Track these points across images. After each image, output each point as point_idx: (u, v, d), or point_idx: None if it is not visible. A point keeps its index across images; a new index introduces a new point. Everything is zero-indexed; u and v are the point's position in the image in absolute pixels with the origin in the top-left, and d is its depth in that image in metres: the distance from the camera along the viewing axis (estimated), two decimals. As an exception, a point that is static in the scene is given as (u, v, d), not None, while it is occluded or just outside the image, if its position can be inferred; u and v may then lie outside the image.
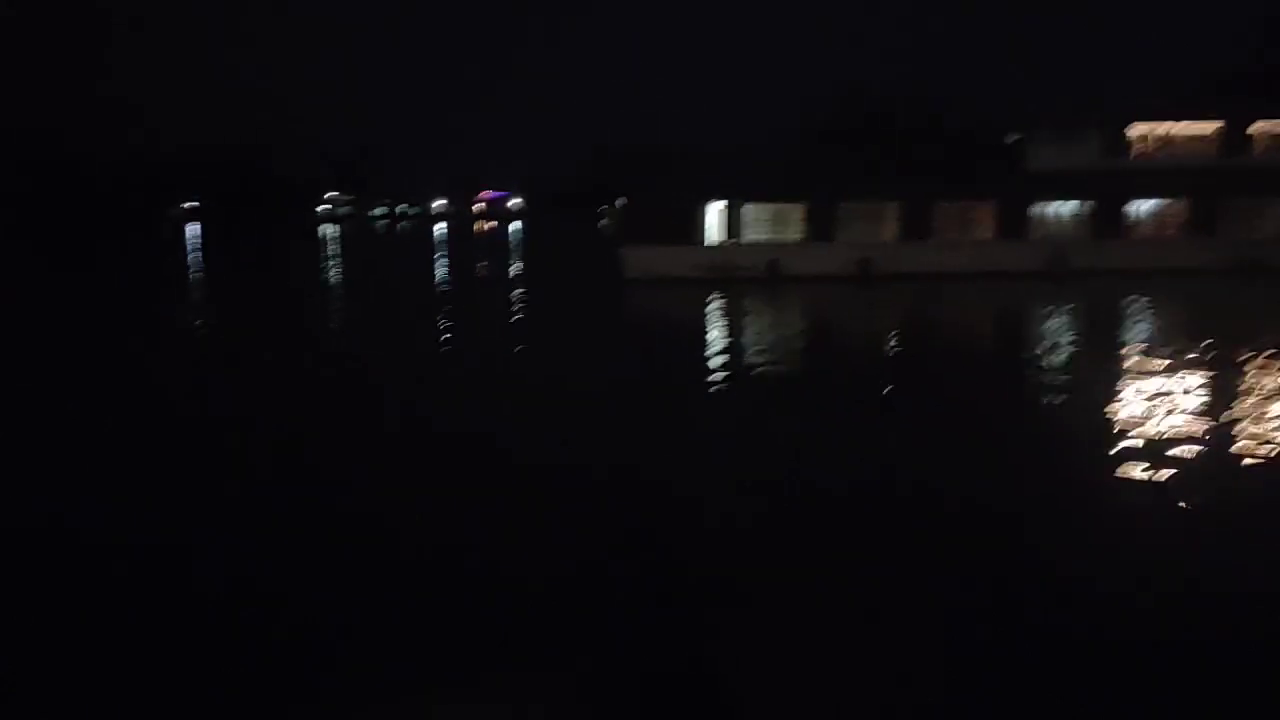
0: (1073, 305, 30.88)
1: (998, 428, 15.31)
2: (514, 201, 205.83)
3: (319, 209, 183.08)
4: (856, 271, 39.90)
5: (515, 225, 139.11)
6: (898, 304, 34.00)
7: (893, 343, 25.33)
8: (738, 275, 39.43)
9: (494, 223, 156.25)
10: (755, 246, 40.65)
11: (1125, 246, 40.14)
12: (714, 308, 32.35)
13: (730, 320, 30.01)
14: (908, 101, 62.23)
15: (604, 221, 65.91)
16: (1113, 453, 13.19)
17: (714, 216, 41.34)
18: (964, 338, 26.96)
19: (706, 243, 41.18)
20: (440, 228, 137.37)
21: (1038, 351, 22.94)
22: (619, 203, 44.21)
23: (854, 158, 45.45)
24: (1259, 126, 40.28)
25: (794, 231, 41.02)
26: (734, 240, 41.04)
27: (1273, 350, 20.84)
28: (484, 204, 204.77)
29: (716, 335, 26.44)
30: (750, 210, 41.04)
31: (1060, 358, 21.45)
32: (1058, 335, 25.06)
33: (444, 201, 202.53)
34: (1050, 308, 30.31)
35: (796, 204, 40.93)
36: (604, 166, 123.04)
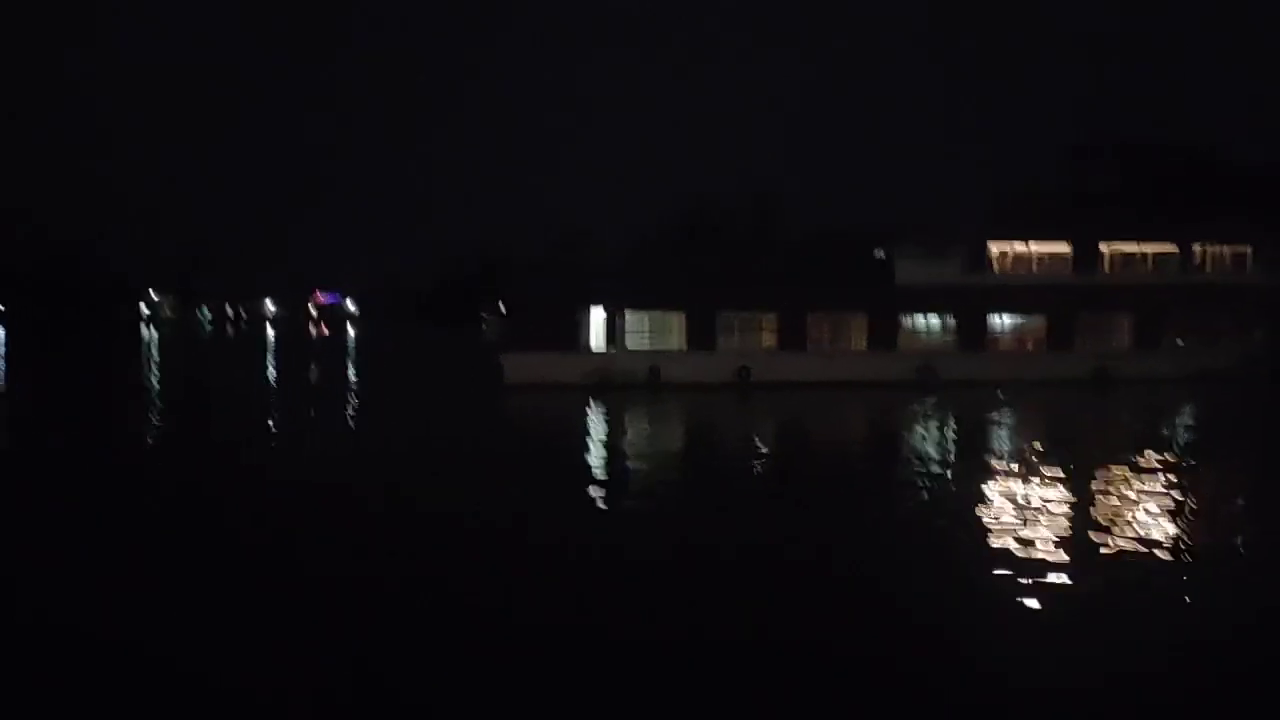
0: (939, 414, 32.65)
1: (860, 526, 16.22)
2: (349, 305, 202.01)
3: (143, 309, 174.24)
4: (736, 379, 40.74)
5: (351, 331, 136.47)
6: (772, 411, 35.40)
7: (764, 447, 26.58)
8: (619, 381, 39.62)
9: (327, 328, 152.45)
10: (636, 353, 41.09)
11: (989, 358, 42.52)
12: (592, 412, 32.96)
13: (605, 424, 31.06)
14: (771, 213, 65.01)
15: (483, 327, 65.95)
16: (970, 551, 14.08)
17: (595, 323, 41.71)
18: (832, 445, 28.35)
19: (588, 349, 41.39)
20: (272, 331, 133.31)
21: (902, 457, 24.56)
22: (495, 309, 43.99)
23: (727, 267, 46.94)
24: (1106, 247, 43.89)
25: (675, 340, 41.78)
26: (615, 347, 41.37)
27: (1121, 457, 22.41)
28: (318, 308, 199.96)
29: (590, 437, 26.77)
30: (631, 317, 41.60)
31: (923, 464, 22.66)
32: (921, 442, 26.68)
33: (275, 305, 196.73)
34: (917, 416, 32.11)
35: (677, 312, 41.81)
36: (462, 272, 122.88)
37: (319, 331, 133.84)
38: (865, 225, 49.77)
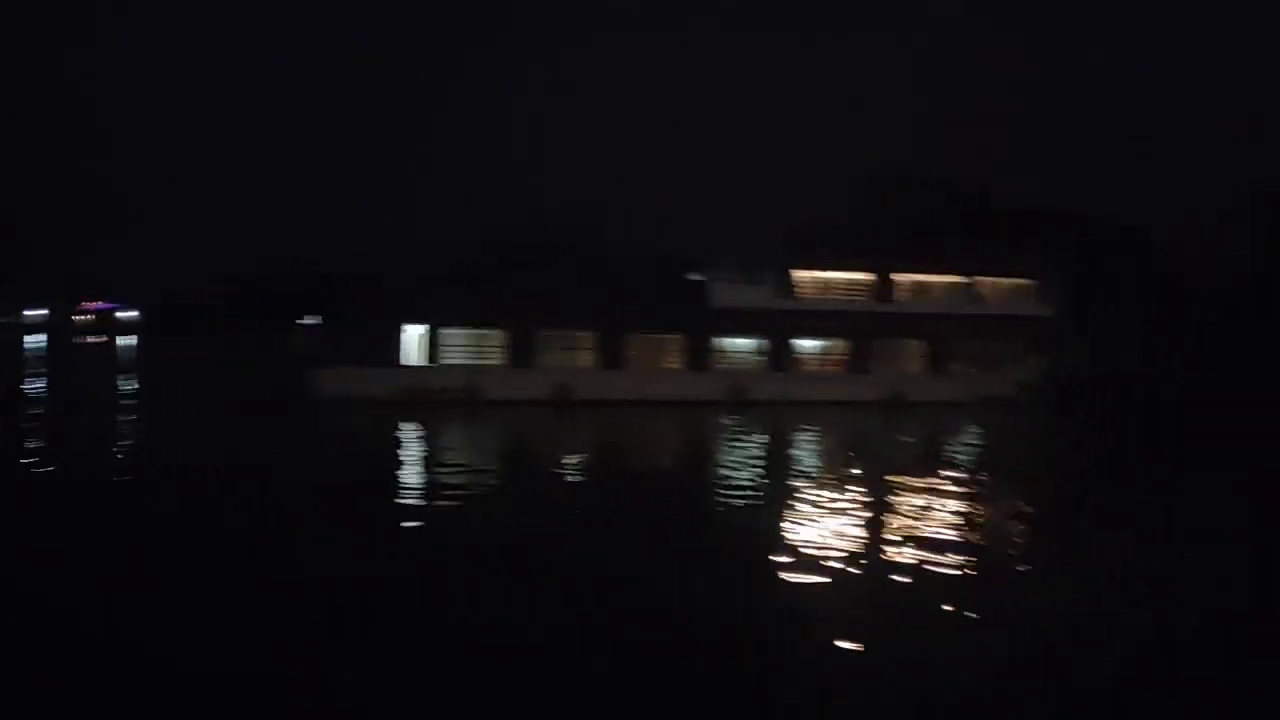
0: (746, 431, 34.26)
1: (669, 537, 17.08)
2: (126, 314, 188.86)
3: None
4: (554, 397, 41.19)
5: (130, 340, 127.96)
6: (586, 427, 36.26)
7: (579, 463, 27.31)
8: (436, 398, 39.31)
9: (104, 336, 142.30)
10: (454, 370, 40.88)
11: (795, 380, 44.78)
12: (400, 428, 32.71)
13: (409, 438, 31.18)
14: (587, 230, 65.98)
15: (296, 340, 63.11)
16: (772, 559, 15.08)
17: (413, 339, 41.25)
18: (646, 461, 29.73)
19: (404, 365, 40.87)
20: (38, 339, 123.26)
21: (713, 471, 25.97)
22: (312, 321, 42.70)
23: (547, 286, 47.40)
24: (901, 276, 47.15)
25: (494, 356, 41.85)
26: (433, 363, 41.02)
27: (911, 475, 24.39)
28: (90, 315, 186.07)
29: (402, 452, 26.71)
30: (450, 334, 41.42)
31: (733, 478, 24.04)
32: (732, 458, 28.14)
33: (43, 311, 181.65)
34: (727, 434, 33.70)
35: (496, 329, 41.92)
36: (256, 283, 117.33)
37: (92, 340, 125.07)
38: (682, 250, 51.37)
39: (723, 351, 45.11)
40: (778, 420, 37.36)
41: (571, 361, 42.92)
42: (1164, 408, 47.78)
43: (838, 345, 46.34)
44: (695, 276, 47.57)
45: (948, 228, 48.58)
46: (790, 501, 20.24)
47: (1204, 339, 60.15)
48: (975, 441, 35.08)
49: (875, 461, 27.48)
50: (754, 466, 26.30)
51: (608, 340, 43.21)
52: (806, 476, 24.63)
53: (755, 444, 31.43)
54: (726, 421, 36.75)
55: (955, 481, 24.01)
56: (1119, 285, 60.00)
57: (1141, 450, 33.92)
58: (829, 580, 13.93)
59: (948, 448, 32.72)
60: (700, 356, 44.36)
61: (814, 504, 19.94)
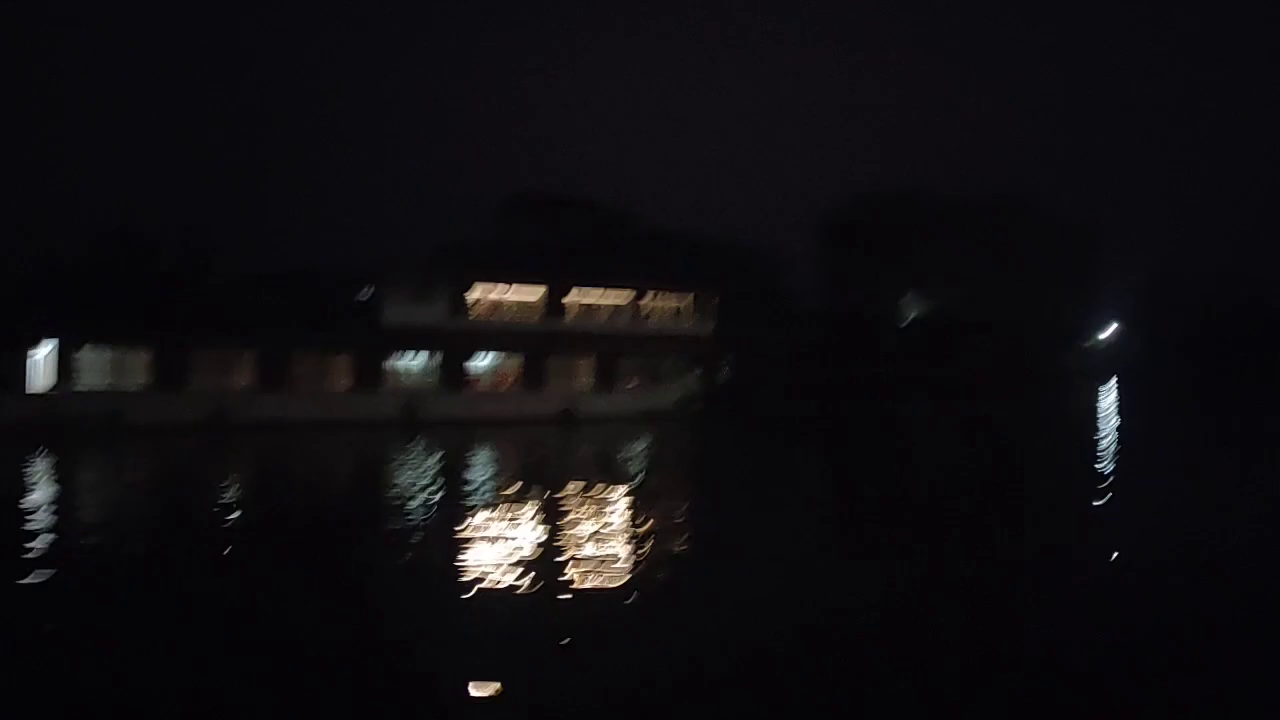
0: (420, 452, 34.18)
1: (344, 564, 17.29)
2: None
3: None
4: (211, 420, 38.66)
5: None
6: (244, 452, 34.75)
7: (233, 495, 26.10)
8: (73, 425, 35.59)
9: None
10: (94, 394, 37.22)
11: (469, 398, 44.95)
12: (33, 465, 29.48)
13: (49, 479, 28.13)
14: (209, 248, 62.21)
15: None
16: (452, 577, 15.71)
17: (42, 360, 37.07)
18: (309, 485, 29.06)
19: (32, 390, 36.63)
20: None
21: (386, 494, 26.13)
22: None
23: (195, 300, 44.45)
24: (571, 295, 48.70)
25: (140, 378, 38.58)
26: (67, 387, 37.09)
27: (588, 490, 25.66)
28: None
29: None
30: (86, 354, 37.69)
31: (409, 501, 24.19)
32: (403, 480, 28.09)
33: None
34: (398, 455, 33.48)
35: (141, 348, 38.68)
36: None
37: None
38: (350, 266, 50.05)
39: (394, 370, 44.41)
40: (451, 440, 37.41)
41: (229, 382, 40.49)
42: (790, 416, 53.04)
43: (511, 363, 47.04)
44: (364, 293, 46.51)
45: (602, 247, 50.90)
46: (456, 522, 20.56)
47: (814, 352, 67.23)
48: (641, 454, 36.85)
49: (545, 477, 28.32)
50: (422, 488, 26.19)
51: (268, 359, 41.21)
52: (476, 496, 25.03)
53: (426, 464, 31.27)
54: (398, 442, 36.25)
55: (619, 492, 25.45)
56: (754, 303, 65.56)
57: (774, 451, 37.71)
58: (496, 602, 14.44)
59: (615, 461, 34.16)
60: (370, 376, 43.40)
61: (482, 523, 20.50)
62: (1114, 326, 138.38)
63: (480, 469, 31.32)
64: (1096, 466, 33.57)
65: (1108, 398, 74.18)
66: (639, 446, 38.46)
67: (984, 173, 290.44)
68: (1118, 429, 49.10)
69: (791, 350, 63.42)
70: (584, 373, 48.83)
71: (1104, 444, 41.11)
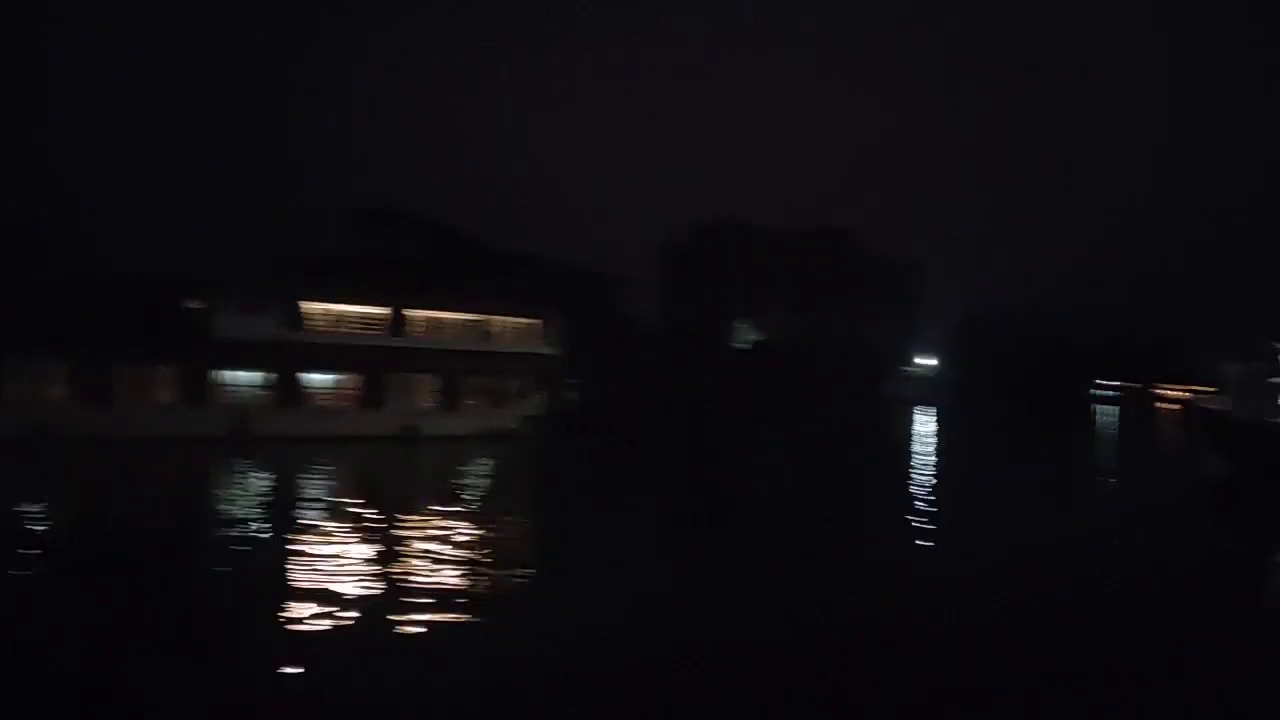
0: (250, 471, 32.88)
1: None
2: None
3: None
4: (23, 435, 36.02)
5: None
6: (64, 470, 32.70)
7: (48, 514, 24.67)
8: None
9: None
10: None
11: (306, 415, 43.40)
12: None
13: None
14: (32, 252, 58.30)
15: None
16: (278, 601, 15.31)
17: None
18: (130, 506, 27.33)
19: None
20: None
21: (211, 517, 24.72)
22: None
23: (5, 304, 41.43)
24: (415, 312, 47.79)
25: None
26: None
27: (414, 506, 25.65)
28: None
29: None
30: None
31: (232, 523, 23.24)
32: (224, 499, 26.99)
33: None
34: (227, 473, 32.16)
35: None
36: None
37: None
38: (180, 274, 47.53)
39: (225, 385, 42.44)
40: (285, 457, 36.06)
41: (43, 395, 37.80)
42: (630, 436, 53.50)
43: (350, 379, 45.71)
44: (193, 304, 44.36)
45: (446, 266, 50.19)
46: (283, 544, 19.85)
47: (654, 374, 68.32)
48: (483, 473, 36.50)
49: (383, 496, 27.79)
50: (249, 509, 25.13)
51: (89, 371, 38.72)
52: (304, 516, 24.16)
53: (254, 483, 29.99)
54: (225, 460, 34.60)
55: (458, 512, 25.16)
56: (598, 326, 66.06)
57: (611, 471, 38.01)
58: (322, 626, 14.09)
59: (456, 480, 33.67)
60: (199, 390, 41.35)
61: (306, 546, 19.77)
62: (933, 357, 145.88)
63: (310, 487, 30.22)
64: (912, 483, 35.72)
65: (926, 422, 78.11)
66: (481, 465, 38.03)
67: (819, 207, 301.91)
68: (935, 450, 52.08)
69: (633, 372, 64.08)
70: (428, 391, 47.95)
71: (921, 463, 43.62)
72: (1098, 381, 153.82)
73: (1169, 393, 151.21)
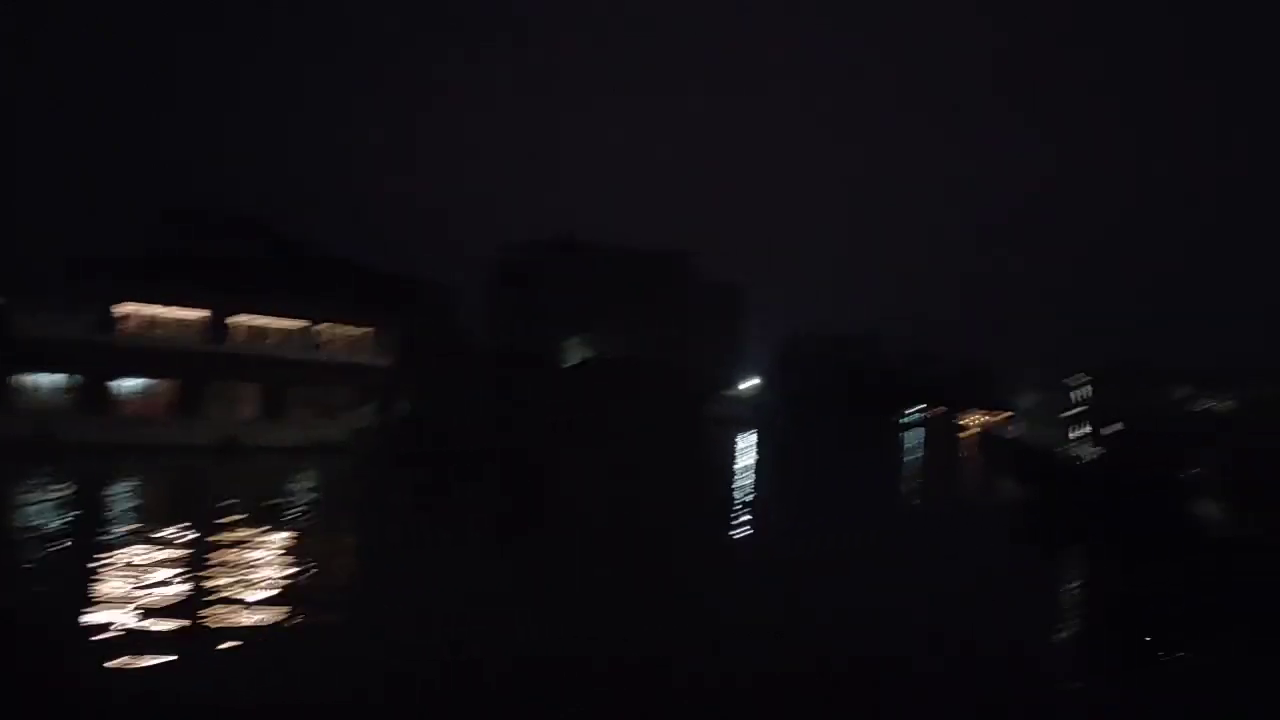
0: (47, 480, 30.55)
1: None
2: None
3: None
4: None
5: None
6: None
7: None
8: None
9: None
10: None
11: (116, 422, 41.28)
12: None
13: None
14: None
15: None
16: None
17: None
18: None
19: None
20: None
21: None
22: None
23: None
24: (239, 318, 46.23)
25: None
26: None
27: (234, 522, 24.49)
28: None
29: None
30: None
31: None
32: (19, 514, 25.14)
33: None
34: (19, 482, 29.75)
35: None
36: None
37: None
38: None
39: (26, 388, 39.94)
40: (90, 466, 34.19)
41: None
42: (459, 451, 53.03)
43: (165, 386, 43.74)
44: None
45: (268, 271, 48.46)
46: (84, 564, 18.62)
47: (484, 390, 68.11)
48: (304, 486, 35.49)
49: (189, 508, 26.70)
50: (47, 523, 23.55)
51: None
52: (99, 529, 22.83)
53: (50, 493, 28.17)
54: (22, 467, 32.44)
55: (279, 528, 24.34)
56: (429, 338, 65.30)
57: (438, 486, 37.51)
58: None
59: (272, 493, 32.11)
60: (-4, 393, 38.77)
61: (97, 560, 18.74)
62: (755, 380, 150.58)
63: (111, 498, 28.72)
64: (732, 500, 37.67)
65: (745, 442, 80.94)
66: (303, 478, 37.11)
67: (656, 229, 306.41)
68: (755, 469, 54.31)
69: (463, 387, 63.73)
70: (251, 400, 46.36)
71: (741, 481, 45.72)
72: (908, 408, 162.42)
73: (971, 419, 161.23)
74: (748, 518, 32.13)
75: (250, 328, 47.47)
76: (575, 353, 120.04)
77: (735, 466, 54.61)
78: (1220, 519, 27.73)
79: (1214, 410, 71.30)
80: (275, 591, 16.86)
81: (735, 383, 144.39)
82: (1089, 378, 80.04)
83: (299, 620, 15.21)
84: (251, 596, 16.29)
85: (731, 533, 28.65)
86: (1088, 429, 70.93)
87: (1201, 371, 74.67)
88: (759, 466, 55.64)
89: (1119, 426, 62.97)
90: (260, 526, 23.80)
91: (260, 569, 18.75)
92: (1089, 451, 59.28)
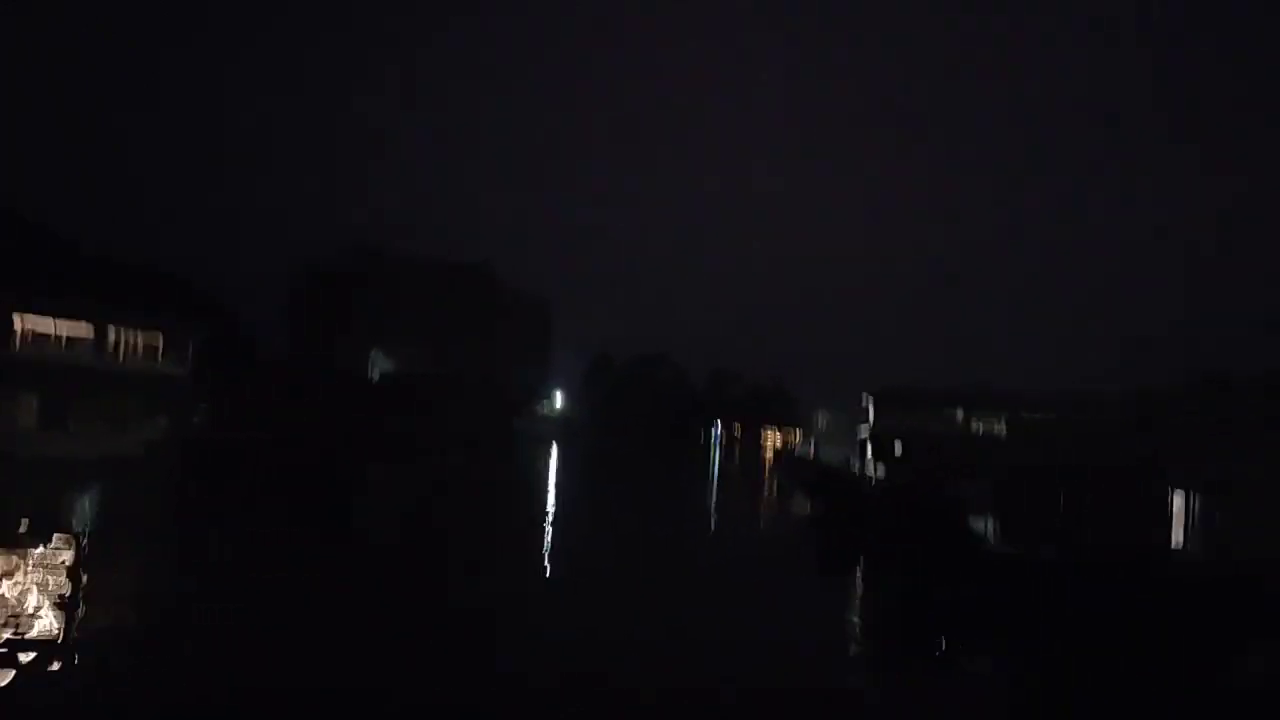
0: None
1: None
2: None
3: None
4: None
5: None
6: None
7: None
8: None
9: None
10: None
11: None
12: None
13: None
14: None
15: None
16: None
17: None
18: None
19: None
20: None
21: None
22: None
23: None
24: (18, 320, 43.68)
25: None
26: None
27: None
28: None
29: None
30: None
31: None
32: None
33: None
34: None
35: None
36: None
37: None
38: None
39: None
40: None
41: None
42: (257, 465, 51.69)
43: None
44: None
45: (42, 270, 45.94)
46: None
47: (285, 401, 66.51)
48: (83, 502, 33.84)
49: None
50: None
51: None
52: None
53: None
54: None
55: (59, 545, 23.18)
56: (227, 350, 63.32)
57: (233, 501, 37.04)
58: None
59: (44, 510, 30.44)
60: None
61: None
62: (566, 397, 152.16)
63: None
64: (535, 511, 39.42)
65: (550, 458, 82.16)
66: (83, 493, 35.35)
67: (455, 241, 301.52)
68: (555, 484, 55.77)
69: (263, 399, 62.19)
70: (27, 410, 43.84)
71: (545, 495, 47.26)
72: (709, 426, 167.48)
73: (769, 437, 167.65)
74: (548, 535, 32.77)
75: (24, 331, 44.87)
76: (378, 367, 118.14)
77: (540, 483, 55.65)
78: (991, 535, 30.41)
79: (986, 433, 77.50)
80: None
81: (546, 399, 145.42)
82: (872, 398, 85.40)
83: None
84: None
85: (526, 552, 28.77)
86: (870, 448, 75.85)
87: (970, 394, 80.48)
88: (559, 486, 56.74)
89: (899, 447, 67.76)
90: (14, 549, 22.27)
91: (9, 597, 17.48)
92: (877, 470, 63.81)
